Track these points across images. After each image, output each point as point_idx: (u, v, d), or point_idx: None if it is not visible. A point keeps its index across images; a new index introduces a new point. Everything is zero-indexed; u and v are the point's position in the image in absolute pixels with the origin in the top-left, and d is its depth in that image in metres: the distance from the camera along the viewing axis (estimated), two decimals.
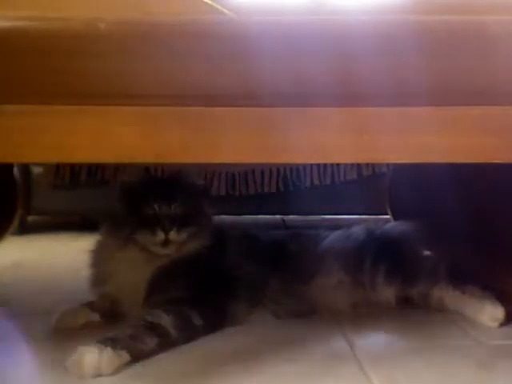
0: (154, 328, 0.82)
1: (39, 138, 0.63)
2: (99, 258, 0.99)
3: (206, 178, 1.90)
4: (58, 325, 0.92)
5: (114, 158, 0.65)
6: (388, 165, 1.74)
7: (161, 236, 0.92)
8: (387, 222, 1.29)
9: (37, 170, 1.89)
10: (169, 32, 0.61)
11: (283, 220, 2.21)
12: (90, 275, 0.99)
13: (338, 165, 1.93)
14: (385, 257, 1.06)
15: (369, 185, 1.93)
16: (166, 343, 0.82)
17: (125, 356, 0.76)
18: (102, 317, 0.95)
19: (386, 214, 1.66)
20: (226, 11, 0.61)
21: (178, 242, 0.94)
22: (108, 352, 0.74)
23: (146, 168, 1.76)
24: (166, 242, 0.92)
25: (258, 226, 1.88)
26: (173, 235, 0.92)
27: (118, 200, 0.98)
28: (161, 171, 1.81)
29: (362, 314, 1.01)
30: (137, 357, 0.77)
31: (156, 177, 1.02)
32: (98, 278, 0.98)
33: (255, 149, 0.65)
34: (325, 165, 1.93)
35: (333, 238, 1.11)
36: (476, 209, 1.11)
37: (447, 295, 1.02)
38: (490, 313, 0.95)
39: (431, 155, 0.67)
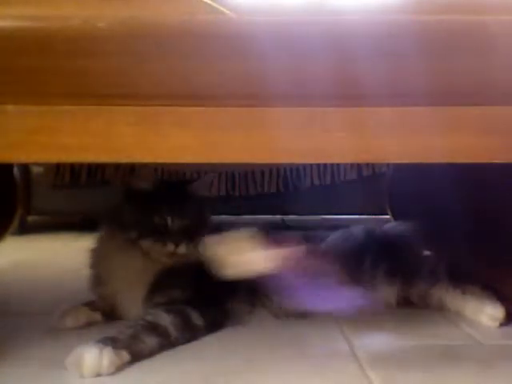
0: (154, 328, 0.82)
1: (39, 138, 0.63)
2: (100, 258, 0.99)
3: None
4: (58, 325, 0.92)
5: (114, 158, 0.65)
6: (388, 165, 1.74)
7: (170, 248, 0.92)
8: (387, 222, 1.29)
9: (37, 170, 1.89)
10: (168, 32, 0.61)
11: (283, 220, 2.21)
12: (90, 275, 0.99)
13: (338, 165, 1.94)
14: (384, 257, 1.06)
15: (369, 185, 1.93)
16: (166, 343, 0.82)
17: (125, 356, 0.76)
18: (102, 316, 0.95)
19: (386, 214, 1.66)
20: (226, 11, 0.61)
21: (184, 254, 0.94)
22: (108, 352, 0.74)
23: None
24: (173, 254, 0.93)
25: (258, 226, 1.88)
26: (181, 249, 0.93)
27: (125, 202, 0.97)
28: (161, 171, 1.81)
29: (362, 314, 1.01)
30: (137, 356, 0.78)
31: (169, 186, 1.00)
32: (98, 278, 0.98)
33: (255, 149, 0.65)
34: (325, 165, 1.93)
35: (333, 238, 1.11)
36: (476, 209, 1.11)
37: (447, 295, 1.02)
38: (490, 313, 0.95)
39: (431, 155, 0.67)
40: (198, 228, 0.96)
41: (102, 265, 0.98)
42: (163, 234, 0.93)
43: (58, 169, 1.89)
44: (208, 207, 1.02)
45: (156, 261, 0.94)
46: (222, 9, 0.61)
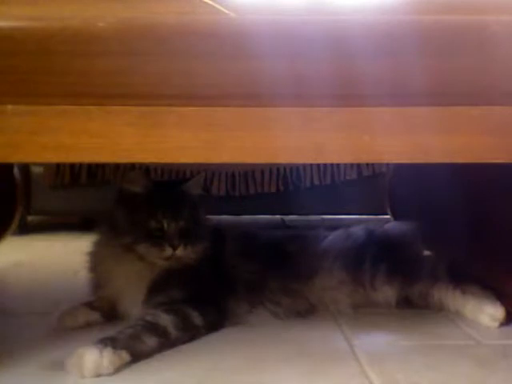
0: (153, 328, 0.82)
1: (39, 138, 0.63)
2: (98, 260, 0.98)
3: (205, 177, 1.90)
4: (58, 325, 0.92)
5: (114, 158, 0.65)
6: (388, 165, 1.74)
7: (169, 252, 0.92)
8: (387, 222, 1.29)
9: (37, 170, 1.89)
10: (169, 32, 0.61)
11: (283, 220, 2.21)
12: (90, 278, 0.99)
13: (338, 165, 1.93)
14: (385, 257, 1.06)
15: (369, 185, 1.92)
16: (166, 343, 0.82)
17: (125, 356, 0.76)
18: (102, 316, 0.95)
19: (386, 214, 1.66)
20: (225, 11, 0.61)
21: (182, 256, 0.93)
22: (108, 352, 0.74)
23: (147, 168, 1.77)
24: (171, 257, 0.92)
25: (258, 226, 1.88)
26: (180, 251, 0.92)
27: (117, 206, 0.96)
28: (160, 171, 1.81)
29: (362, 313, 1.01)
30: (137, 356, 0.78)
31: (162, 187, 0.98)
32: (98, 280, 0.98)
33: (255, 149, 0.65)
34: (325, 165, 1.92)
35: (333, 238, 1.11)
36: (476, 209, 1.11)
37: (447, 295, 1.02)
38: (489, 313, 0.95)
39: (431, 155, 0.67)
40: (194, 228, 0.96)
41: (101, 267, 0.98)
42: (160, 238, 0.92)
43: (58, 169, 1.88)
44: (203, 206, 1.01)
45: (153, 264, 0.93)
46: (221, 8, 0.61)
